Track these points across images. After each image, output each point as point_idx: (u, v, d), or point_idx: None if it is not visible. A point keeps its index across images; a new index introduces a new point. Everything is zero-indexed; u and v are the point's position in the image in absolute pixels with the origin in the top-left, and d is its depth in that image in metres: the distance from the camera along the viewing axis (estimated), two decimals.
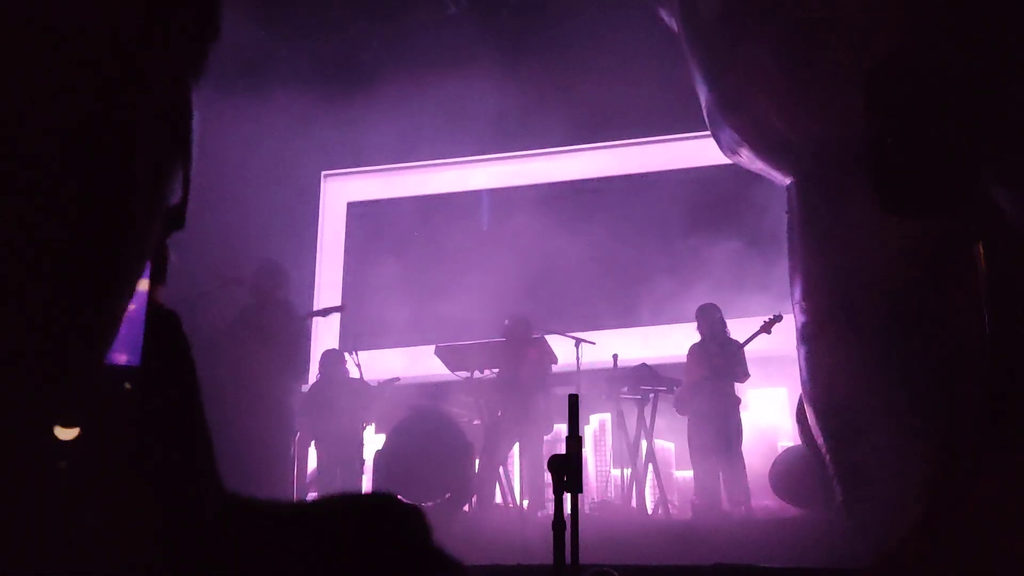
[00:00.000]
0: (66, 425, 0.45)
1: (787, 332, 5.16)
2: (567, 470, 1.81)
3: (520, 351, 6.07)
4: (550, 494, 6.28)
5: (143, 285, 0.50)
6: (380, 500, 0.31)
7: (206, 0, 0.32)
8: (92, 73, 0.25)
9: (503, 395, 5.95)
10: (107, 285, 0.28)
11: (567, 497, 1.86)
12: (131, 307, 0.50)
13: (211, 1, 0.32)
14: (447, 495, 5.59)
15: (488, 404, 6.21)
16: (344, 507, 0.31)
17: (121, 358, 0.48)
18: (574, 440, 1.84)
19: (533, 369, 5.95)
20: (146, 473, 0.51)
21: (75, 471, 0.46)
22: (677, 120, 7.67)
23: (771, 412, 7.07)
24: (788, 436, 6.70)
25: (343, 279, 9.29)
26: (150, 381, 0.47)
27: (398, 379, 6.40)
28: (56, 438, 0.49)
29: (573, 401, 1.87)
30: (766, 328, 5.98)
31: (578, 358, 6.27)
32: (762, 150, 4.37)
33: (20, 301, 0.25)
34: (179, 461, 0.52)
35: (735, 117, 4.31)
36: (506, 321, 6.30)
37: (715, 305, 6.23)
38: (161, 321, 0.49)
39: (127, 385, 0.47)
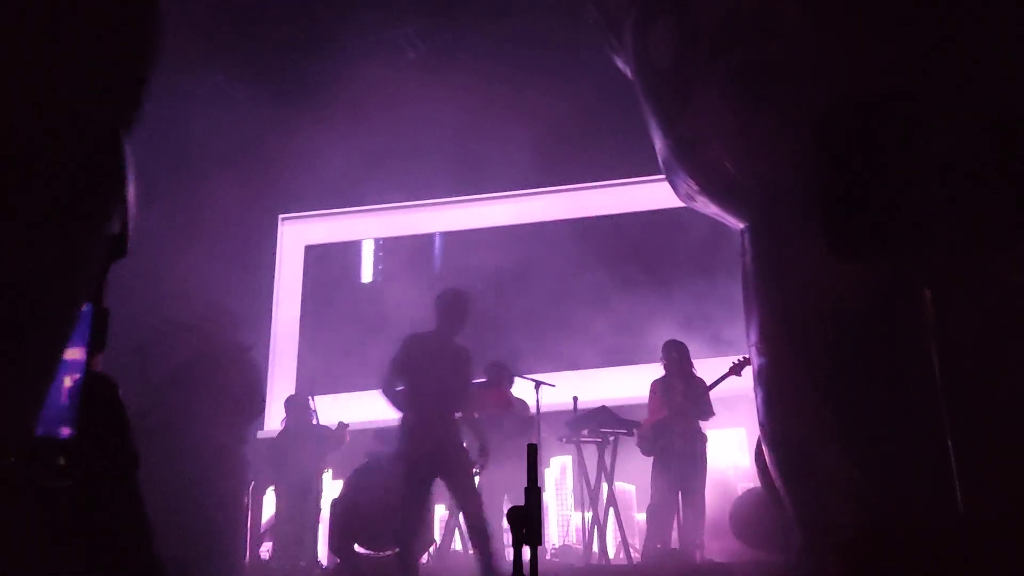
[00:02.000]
0: None
1: (745, 372, 5.19)
2: (526, 523, 1.78)
3: (485, 395, 6.05)
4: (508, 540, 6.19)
5: (79, 354, 0.49)
6: None
7: (139, 51, 0.31)
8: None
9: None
10: (23, 350, 0.27)
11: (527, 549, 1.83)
12: (74, 377, 0.49)
13: (144, 52, 0.32)
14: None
15: None
16: None
17: (65, 431, 0.47)
18: (533, 491, 1.82)
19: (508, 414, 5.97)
20: (75, 549, 0.48)
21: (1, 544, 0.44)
22: (636, 163, 7.78)
23: (729, 453, 7.10)
24: (747, 477, 6.73)
25: (300, 322, 9.19)
26: (86, 453, 0.46)
27: (347, 425, 6.32)
28: None
29: (532, 451, 1.85)
30: (735, 370, 5.99)
31: (538, 400, 6.25)
32: (715, 194, 4.43)
33: None
34: (109, 536, 0.50)
35: (688, 163, 4.37)
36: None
37: (681, 342, 6.28)
38: (97, 390, 0.48)
39: (61, 460, 0.46)
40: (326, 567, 6.04)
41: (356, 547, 5.50)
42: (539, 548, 5.76)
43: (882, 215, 2.32)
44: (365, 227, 9.35)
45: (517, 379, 6.37)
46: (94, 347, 0.42)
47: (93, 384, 0.40)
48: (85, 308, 0.41)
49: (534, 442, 6.00)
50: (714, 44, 3.99)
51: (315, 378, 7.20)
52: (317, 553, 6.19)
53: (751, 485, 6.31)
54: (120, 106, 0.27)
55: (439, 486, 5.95)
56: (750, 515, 5.60)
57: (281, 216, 9.45)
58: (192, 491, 4.28)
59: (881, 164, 2.37)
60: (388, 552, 5.47)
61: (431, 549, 5.78)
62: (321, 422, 6.39)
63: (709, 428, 6.53)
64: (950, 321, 2.38)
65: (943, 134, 2.55)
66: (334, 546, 5.57)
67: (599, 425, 6.08)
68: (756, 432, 5.13)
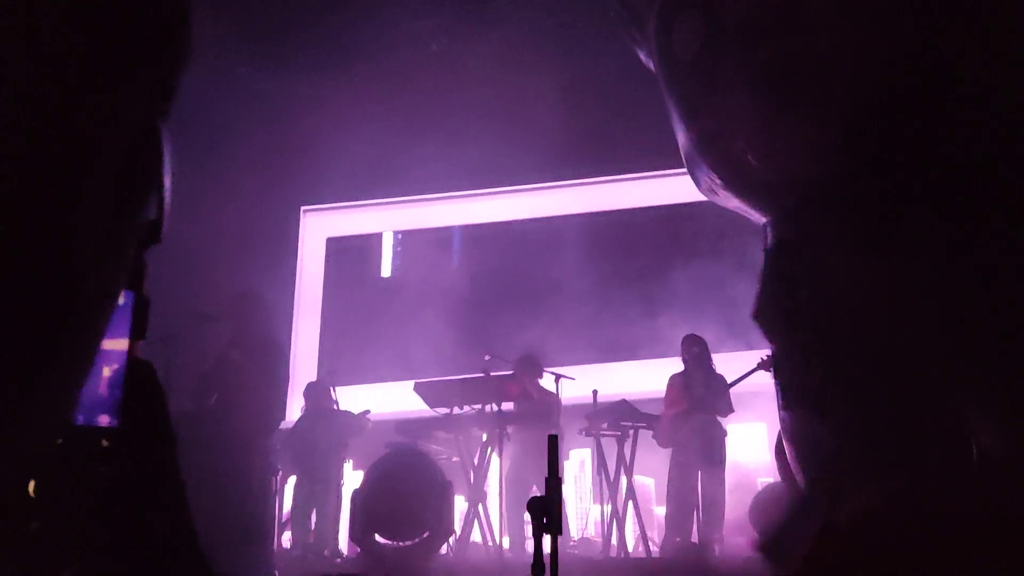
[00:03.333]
0: (35, 482, 0.45)
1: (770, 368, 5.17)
2: (547, 512, 1.79)
3: (503, 387, 6.08)
4: (528, 532, 6.21)
5: (122, 344, 0.50)
6: None
7: (174, 39, 0.32)
8: (38, 106, 0.25)
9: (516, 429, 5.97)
10: (66, 333, 0.28)
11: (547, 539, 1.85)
12: (113, 367, 0.50)
13: (180, 40, 0.33)
14: (425, 534, 5.53)
15: (469, 441, 6.18)
16: None
17: (104, 419, 0.48)
18: (554, 481, 1.83)
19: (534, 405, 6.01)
20: (118, 529, 0.50)
21: (46, 531, 0.45)
22: (656, 156, 7.75)
23: (750, 448, 7.08)
24: (767, 472, 6.71)
25: (322, 314, 9.25)
26: (127, 439, 0.47)
27: (368, 412, 6.37)
28: (30, 496, 0.48)
29: (553, 442, 1.86)
30: (764, 366, 5.90)
31: (558, 393, 6.26)
32: (738, 189, 4.41)
33: None
34: (152, 518, 0.51)
35: (711, 157, 4.35)
36: (487, 356, 6.32)
37: (700, 337, 6.26)
38: (137, 375, 0.49)
39: (104, 442, 0.47)
40: (347, 556, 6.09)
41: (377, 537, 5.55)
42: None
43: (918, 211, 2.30)
44: (386, 219, 9.39)
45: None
46: (135, 335, 0.43)
47: (133, 370, 0.41)
48: (125, 298, 0.43)
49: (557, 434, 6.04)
50: (741, 37, 3.96)
51: (336, 369, 7.25)
52: (338, 542, 6.25)
53: (771, 480, 6.29)
54: (159, 93, 0.28)
55: (458, 477, 6.00)
56: (770, 510, 5.58)
57: (303, 208, 9.51)
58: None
59: (915, 159, 2.35)
60: (408, 542, 5.51)
61: (450, 540, 5.81)
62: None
63: (730, 423, 6.51)
64: (980, 316, 2.36)
65: (979, 128, 2.53)
66: (355, 536, 5.62)
67: (619, 418, 6.08)
68: (776, 427, 5.11)
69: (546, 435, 5.92)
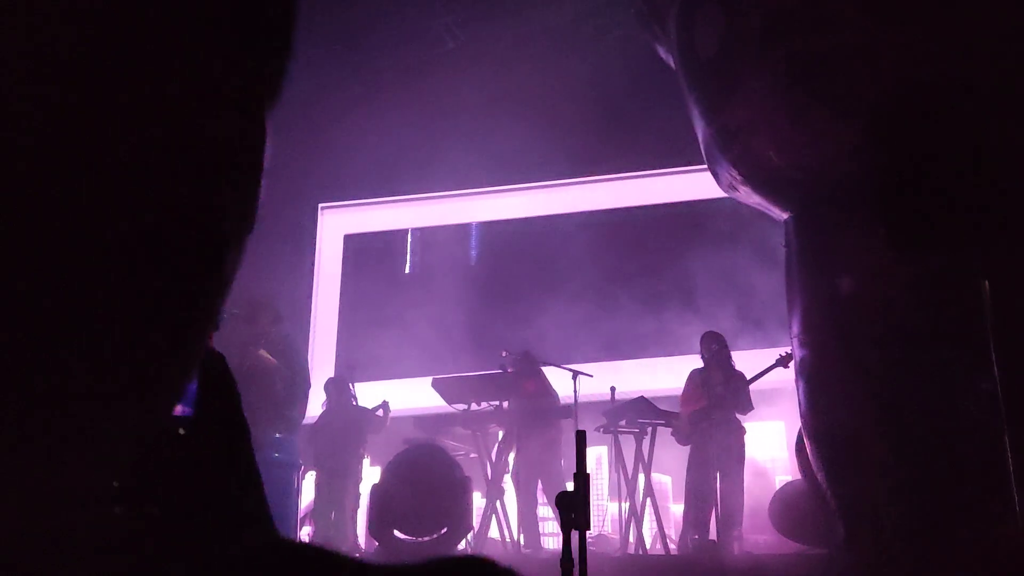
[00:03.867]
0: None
1: (791, 365, 5.15)
2: (575, 507, 1.79)
3: (520, 384, 6.08)
4: (544, 530, 6.22)
5: None
6: (476, 563, 0.30)
7: (281, 20, 0.33)
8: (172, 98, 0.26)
9: (519, 427, 5.96)
10: (195, 322, 0.28)
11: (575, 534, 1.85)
12: None
13: (286, 20, 0.33)
14: (443, 530, 5.54)
15: (487, 437, 6.19)
16: (437, 570, 0.30)
17: (179, 408, 0.49)
18: (581, 477, 1.83)
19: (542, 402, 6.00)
20: (198, 516, 0.50)
21: (129, 516, 0.46)
22: (678, 153, 7.73)
23: (769, 445, 7.05)
24: (786, 470, 6.68)
25: (339, 311, 9.28)
26: (203, 425, 0.48)
27: (386, 403, 6.38)
28: (113, 483, 0.49)
29: (580, 438, 1.86)
30: (782, 363, 5.85)
31: (575, 391, 6.25)
32: (759, 185, 4.40)
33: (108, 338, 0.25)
34: (229, 504, 0.52)
35: (732, 153, 4.35)
36: (504, 353, 6.32)
37: (719, 334, 6.22)
38: (210, 364, 0.49)
39: (181, 431, 0.48)
40: (365, 551, 6.12)
41: (395, 532, 5.57)
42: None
43: (939, 205, 2.29)
44: (403, 216, 9.41)
45: (555, 369, 6.38)
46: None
47: (206, 360, 0.42)
48: None
49: (565, 431, 6.02)
50: (764, 35, 3.96)
51: (354, 365, 7.27)
52: (357, 537, 6.27)
53: (790, 478, 6.26)
54: (271, 92, 0.29)
55: (476, 473, 6.01)
56: (790, 508, 5.56)
57: (321, 205, 9.55)
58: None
59: (938, 154, 2.34)
60: (427, 538, 5.53)
61: (468, 536, 5.83)
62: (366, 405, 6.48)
63: (749, 421, 6.49)
64: (1010, 313, 2.34)
65: (1000, 125, 2.51)
66: (373, 531, 5.64)
67: (637, 415, 6.06)
68: (796, 425, 5.09)
69: (548, 433, 5.90)
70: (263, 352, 5.52)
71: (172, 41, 0.25)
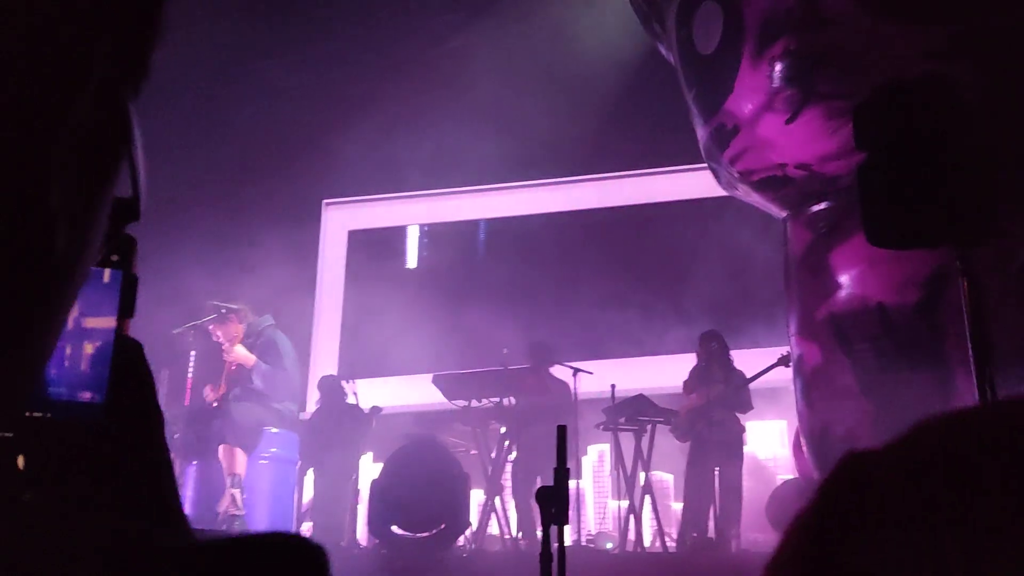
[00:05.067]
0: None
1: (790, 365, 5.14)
2: (555, 502, 1.80)
3: (520, 380, 6.10)
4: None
5: (109, 323, 0.52)
6: (282, 539, 0.31)
7: (142, 13, 0.32)
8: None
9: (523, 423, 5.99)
10: (36, 301, 0.28)
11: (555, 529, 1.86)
12: (96, 344, 0.51)
13: (148, 14, 0.33)
14: (442, 526, 5.56)
15: (487, 433, 6.20)
16: (249, 546, 0.31)
17: (86, 395, 0.50)
18: (561, 471, 1.84)
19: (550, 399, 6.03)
20: (105, 503, 0.51)
21: (37, 502, 0.47)
22: (679, 151, 7.72)
23: (769, 444, 7.04)
24: (785, 468, 6.67)
25: (343, 307, 9.31)
26: (114, 414, 0.48)
27: (379, 409, 6.39)
28: (20, 470, 0.50)
29: (561, 432, 1.87)
30: (783, 362, 5.82)
31: (575, 388, 6.25)
32: (757, 183, 4.40)
33: None
34: (140, 492, 0.52)
35: (730, 151, 4.34)
36: (505, 350, 6.34)
37: (719, 333, 6.22)
38: (124, 352, 0.50)
39: (89, 417, 0.49)
40: (364, 547, 6.14)
41: (394, 528, 5.59)
42: (574, 533, 5.76)
43: (918, 202, 2.28)
44: (408, 213, 9.42)
45: (556, 366, 6.39)
46: (123, 313, 0.44)
47: (119, 347, 0.42)
48: (112, 277, 0.44)
49: (571, 427, 6.03)
50: (761, 32, 3.95)
51: (357, 362, 7.30)
52: (356, 533, 6.29)
53: (790, 476, 6.26)
54: (124, 63, 0.28)
55: (475, 470, 6.02)
56: (788, 506, 5.56)
57: (325, 201, 9.57)
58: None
59: (918, 149, 2.33)
60: (425, 533, 5.54)
61: (467, 532, 5.84)
62: (361, 405, 6.49)
63: (751, 419, 6.48)
64: (986, 310, 2.34)
65: (984, 120, 2.50)
66: (373, 527, 5.66)
67: (636, 413, 6.07)
68: (796, 424, 5.08)
69: (547, 430, 5.93)
70: (239, 348, 5.66)
71: (14, 14, 0.25)
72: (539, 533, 5.85)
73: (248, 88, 8.24)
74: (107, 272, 0.51)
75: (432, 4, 8.03)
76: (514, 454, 6.10)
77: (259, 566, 0.30)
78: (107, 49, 0.30)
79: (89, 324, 0.51)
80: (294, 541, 0.31)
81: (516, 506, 6.03)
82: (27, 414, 0.48)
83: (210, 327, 5.74)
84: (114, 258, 0.50)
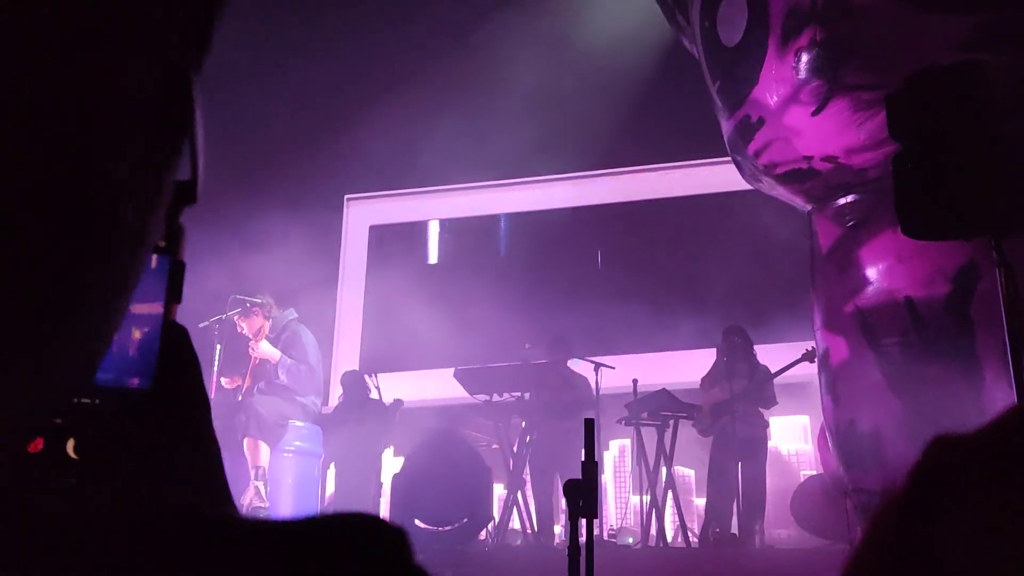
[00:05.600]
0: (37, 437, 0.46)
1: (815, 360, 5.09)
2: (583, 495, 1.79)
3: (541, 375, 6.09)
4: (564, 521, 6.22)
5: (156, 308, 0.52)
6: (364, 520, 0.30)
7: None
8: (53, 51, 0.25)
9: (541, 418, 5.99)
10: (95, 282, 0.27)
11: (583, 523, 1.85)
12: (144, 330, 0.51)
13: None
14: (464, 519, 5.57)
15: (508, 428, 6.20)
16: (326, 527, 0.30)
17: (134, 381, 0.49)
18: (590, 464, 1.83)
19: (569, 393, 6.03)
20: (152, 489, 0.51)
21: (81, 488, 0.47)
22: (702, 145, 7.67)
23: (793, 439, 6.99)
24: (809, 464, 6.62)
25: (364, 302, 9.34)
26: (160, 400, 0.48)
27: (401, 402, 6.41)
28: (68, 455, 0.50)
29: (589, 425, 1.86)
30: (808, 357, 5.77)
31: (597, 383, 6.24)
32: (782, 176, 4.36)
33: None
34: (186, 478, 0.52)
35: (755, 143, 4.30)
36: (527, 345, 6.33)
37: (742, 327, 6.18)
38: (171, 337, 0.50)
39: (136, 403, 0.48)
40: None
41: (417, 522, 5.60)
42: (596, 528, 5.75)
43: (954, 192, 2.25)
44: (429, 207, 9.43)
45: (578, 360, 6.38)
46: (171, 299, 0.44)
47: (168, 334, 0.42)
48: (158, 263, 0.44)
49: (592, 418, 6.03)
50: (787, 23, 3.91)
51: (380, 356, 7.32)
52: None
53: (814, 472, 6.21)
54: (190, 38, 0.27)
55: (497, 464, 6.02)
56: (812, 502, 5.52)
57: (347, 196, 9.60)
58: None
59: (953, 138, 2.29)
60: (448, 527, 5.56)
61: (489, 526, 5.85)
62: (383, 399, 6.52)
63: (775, 415, 6.44)
64: (1022, 302, 2.30)
65: (1020, 108, 2.46)
66: (395, 520, 5.68)
67: (659, 408, 6.04)
68: (821, 420, 5.04)
69: (568, 425, 5.90)
70: (264, 344, 5.72)
71: None
72: (557, 528, 5.86)
73: (272, 83, 8.27)
74: (154, 258, 0.51)
75: None
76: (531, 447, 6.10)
77: (336, 547, 0.29)
78: (161, 15, 0.29)
79: (137, 310, 0.51)
80: (372, 522, 0.30)
81: (535, 501, 6.02)
82: (76, 400, 0.48)
83: (236, 319, 5.79)
84: (161, 244, 0.50)
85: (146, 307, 0.50)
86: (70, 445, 0.47)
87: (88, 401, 0.47)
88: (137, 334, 0.50)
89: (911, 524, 0.30)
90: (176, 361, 0.52)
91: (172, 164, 0.31)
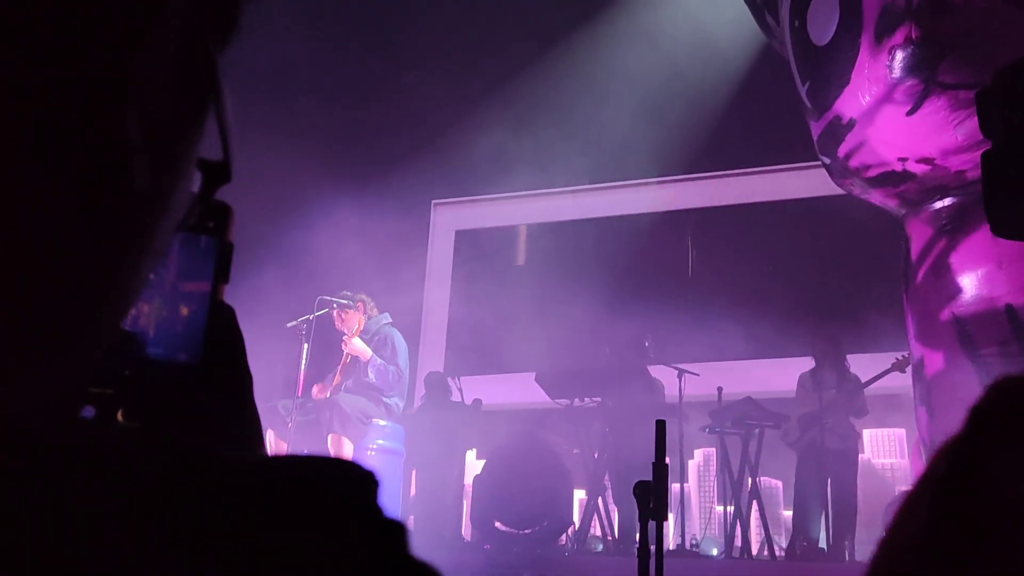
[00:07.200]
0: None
1: (908, 369, 4.90)
2: (653, 497, 1.77)
3: (623, 380, 6.05)
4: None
5: (204, 287, 0.54)
6: (335, 462, 0.31)
7: None
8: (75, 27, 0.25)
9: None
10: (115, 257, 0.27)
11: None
12: (192, 308, 0.54)
13: None
14: (544, 523, 5.56)
15: (589, 433, 6.17)
16: (300, 467, 0.31)
17: (182, 356, 0.52)
18: (660, 466, 1.81)
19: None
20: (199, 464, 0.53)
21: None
22: (790, 148, 7.49)
23: (887, 452, 6.73)
24: (904, 479, 6.37)
25: (449, 306, 9.46)
26: (207, 373, 0.50)
27: (480, 402, 6.46)
28: (119, 421, 0.53)
29: (660, 427, 1.84)
30: (899, 367, 5.56)
31: (680, 390, 6.15)
32: (873, 178, 4.21)
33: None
34: (228, 444, 0.55)
35: (845, 145, 4.18)
36: (608, 350, 6.29)
37: (833, 335, 5.99)
38: (217, 315, 0.52)
39: (184, 378, 0.51)
40: (468, 541, 6.21)
41: (497, 524, 5.63)
42: (679, 536, 5.65)
43: None
44: (515, 212, 9.49)
45: (662, 367, 6.29)
46: (218, 278, 0.46)
47: (214, 311, 0.44)
48: (206, 243, 0.46)
49: (676, 429, 5.92)
50: (880, 20, 3.78)
51: (463, 359, 7.40)
52: (460, 528, 6.37)
53: (908, 487, 5.96)
54: (211, 13, 0.28)
55: (578, 469, 5.99)
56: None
57: (434, 201, 9.75)
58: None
59: None
60: (527, 530, 5.56)
61: (569, 531, 5.83)
62: (465, 402, 6.59)
63: (867, 427, 6.21)
64: None
65: None
66: (476, 522, 5.72)
67: (743, 417, 5.91)
68: (915, 433, 4.83)
69: (648, 430, 5.84)
70: (357, 341, 5.84)
71: None
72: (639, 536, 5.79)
73: (360, 92, 8.48)
74: (203, 238, 0.53)
75: (547, 5, 8.06)
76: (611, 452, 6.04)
77: (305, 486, 0.30)
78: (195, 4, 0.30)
79: (185, 288, 0.54)
80: (344, 464, 0.31)
81: (616, 507, 5.97)
82: (125, 372, 0.51)
83: (334, 313, 5.93)
84: (210, 224, 0.52)
85: (195, 285, 0.53)
86: (120, 414, 0.50)
87: (137, 373, 0.49)
88: (185, 311, 0.53)
89: (967, 459, 0.30)
90: (223, 338, 0.55)
91: (193, 132, 0.31)
